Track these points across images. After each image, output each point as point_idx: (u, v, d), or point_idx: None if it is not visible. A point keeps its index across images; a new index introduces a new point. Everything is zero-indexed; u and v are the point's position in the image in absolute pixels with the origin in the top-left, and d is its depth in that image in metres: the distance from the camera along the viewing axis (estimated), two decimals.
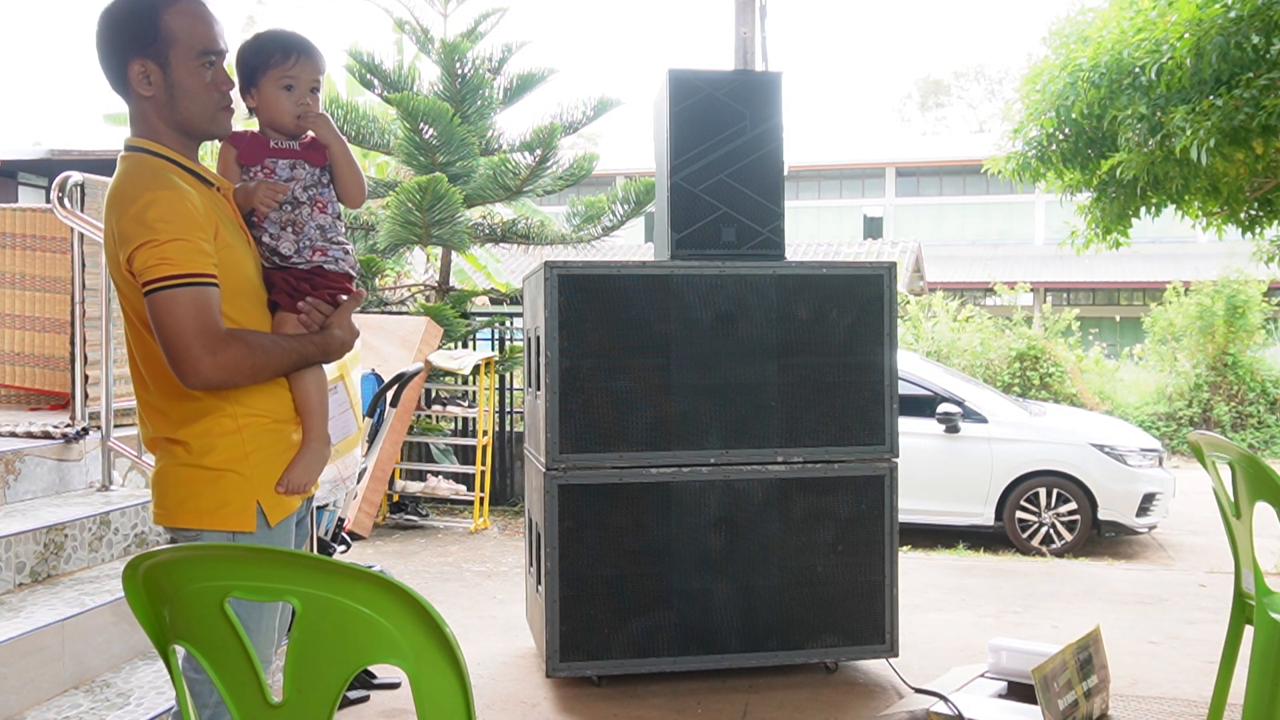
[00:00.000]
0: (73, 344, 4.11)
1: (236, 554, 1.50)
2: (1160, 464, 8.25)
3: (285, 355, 2.07)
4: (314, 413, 2.17)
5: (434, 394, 8.11)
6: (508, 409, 8.58)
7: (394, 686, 3.76)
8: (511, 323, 9.04)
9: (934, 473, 7.99)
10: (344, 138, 2.23)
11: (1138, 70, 6.74)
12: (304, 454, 2.15)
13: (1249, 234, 8.04)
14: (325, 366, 2.99)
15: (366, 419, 4.09)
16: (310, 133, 2.20)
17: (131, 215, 1.92)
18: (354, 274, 2.28)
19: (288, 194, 2.16)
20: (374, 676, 3.78)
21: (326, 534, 3.93)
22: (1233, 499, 2.92)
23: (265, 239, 2.16)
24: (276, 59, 2.14)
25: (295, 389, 2.15)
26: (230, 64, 2.13)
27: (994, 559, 6.72)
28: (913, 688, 3.75)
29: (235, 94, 2.13)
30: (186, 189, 1.98)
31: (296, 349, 2.09)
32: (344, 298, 2.24)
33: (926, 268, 23.42)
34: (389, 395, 4.40)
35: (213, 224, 1.99)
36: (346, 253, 2.24)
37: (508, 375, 8.52)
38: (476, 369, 7.52)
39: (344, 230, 2.26)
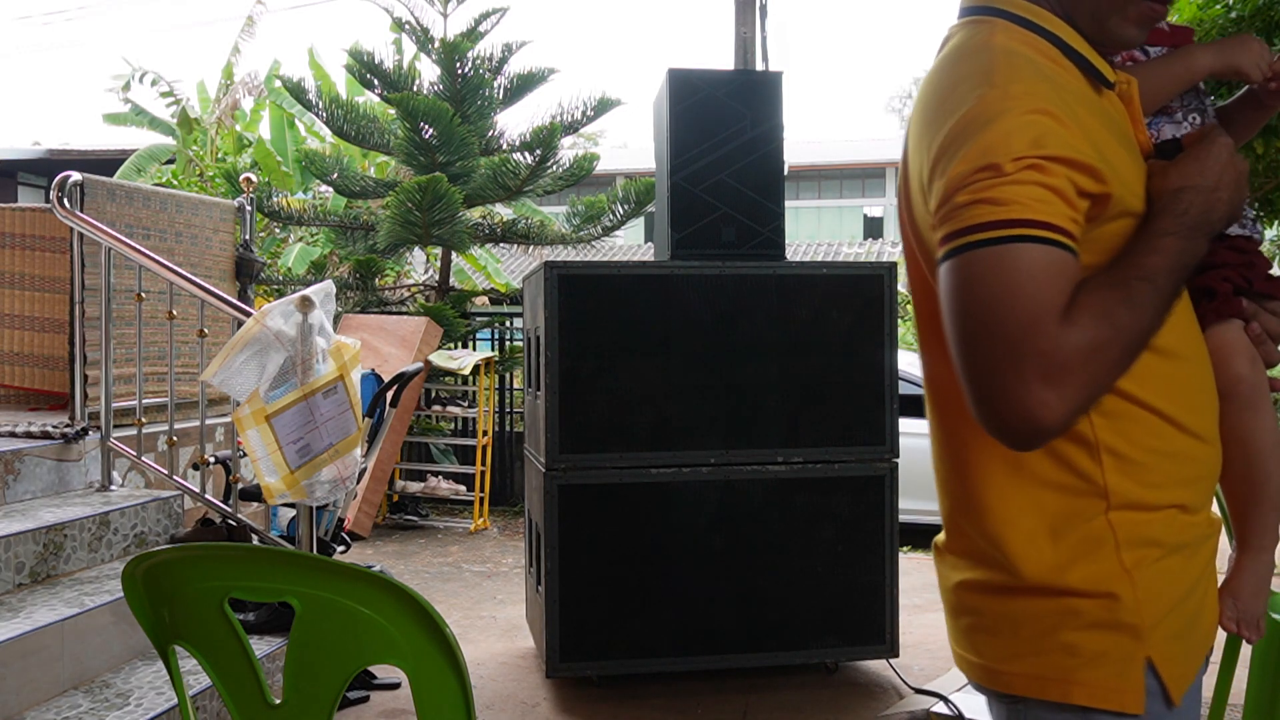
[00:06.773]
0: (72, 344, 4.11)
1: (236, 554, 1.50)
2: None
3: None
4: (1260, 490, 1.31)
5: (434, 394, 8.11)
6: (508, 409, 8.58)
7: (394, 686, 3.76)
8: (511, 323, 9.04)
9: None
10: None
11: None
12: (1246, 563, 1.33)
13: None
14: (324, 367, 2.87)
15: (366, 419, 4.09)
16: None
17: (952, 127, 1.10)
18: (1258, 237, 1.36)
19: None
20: (374, 676, 3.78)
21: (326, 534, 3.93)
22: None
23: None
24: None
25: (1237, 445, 1.28)
26: None
27: None
28: (913, 688, 3.75)
29: None
30: (1053, 84, 1.12)
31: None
32: None
33: None
34: (389, 395, 4.40)
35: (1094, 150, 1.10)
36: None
37: (508, 375, 8.53)
38: (476, 369, 7.52)
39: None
